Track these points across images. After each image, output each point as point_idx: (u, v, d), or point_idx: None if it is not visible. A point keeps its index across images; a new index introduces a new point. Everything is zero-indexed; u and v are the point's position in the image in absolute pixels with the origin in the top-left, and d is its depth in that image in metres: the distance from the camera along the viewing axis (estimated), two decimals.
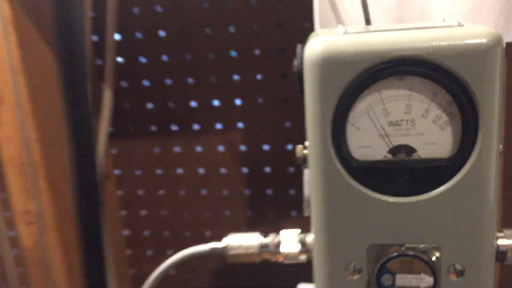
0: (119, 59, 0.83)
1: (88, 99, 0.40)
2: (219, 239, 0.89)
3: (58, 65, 0.35)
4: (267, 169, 0.83)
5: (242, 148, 0.83)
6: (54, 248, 0.70)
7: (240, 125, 0.82)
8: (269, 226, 0.86)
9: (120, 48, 0.81)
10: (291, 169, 0.82)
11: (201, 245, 0.47)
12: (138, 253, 0.93)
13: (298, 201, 0.82)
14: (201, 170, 0.86)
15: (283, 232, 0.45)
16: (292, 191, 0.83)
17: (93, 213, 0.45)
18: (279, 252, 0.44)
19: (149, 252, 0.92)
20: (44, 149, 0.67)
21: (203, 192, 0.87)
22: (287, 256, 0.44)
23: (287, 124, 0.80)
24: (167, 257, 0.47)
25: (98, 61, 0.82)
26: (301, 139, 0.43)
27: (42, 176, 0.68)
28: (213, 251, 0.46)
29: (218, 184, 0.86)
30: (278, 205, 0.84)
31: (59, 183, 0.70)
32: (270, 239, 0.45)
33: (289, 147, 0.81)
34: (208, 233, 0.89)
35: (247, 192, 0.85)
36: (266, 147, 0.82)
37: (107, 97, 0.78)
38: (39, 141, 0.66)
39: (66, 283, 0.71)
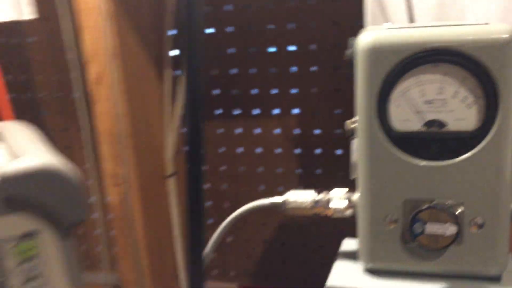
0: None
1: (201, 82, 0.47)
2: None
3: (184, 51, 0.42)
4: (318, 151, 0.91)
5: (296, 131, 0.91)
6: (136, 205, 0.80)
7: (295, 111, 0.90)
8: None
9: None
10: (339, 152, 0.90)
11: (263, 199, 0.55)
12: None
13: (344, 180, 0.89)
14: (258, 150, 0.95)
15: (333, 191, 0.53)
16: (339, 171, 0.91)
17: (198, 182, 0.53)
18: (329, 207, 0.52)
19: (210, 221, 1.02)
20: (132, 123, 0.78)
21: (260, 169, 0.96)
22: (335, 210, 0.52)
23: (337, 111, 0.88)
24: None
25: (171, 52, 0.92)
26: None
27: (129, 145, 0.78)
28: (273, 205, 0.55)
29: (273, 163, 0.94)
30: (326, 183, 0.92)
31: (143, 151, 0.81)
32: (322, 195, 0.53)
33: (338, 131, 0.89)
34: None
35: (298, 171, 0.93)
36: (317, 131, 0.90)
37: (183, 82, 0.88)
38: (128, 115, 0.77)
39: (144, 234, 0.82)
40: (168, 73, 0.87)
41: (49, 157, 0.44)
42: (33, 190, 0.44)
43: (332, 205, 0.52)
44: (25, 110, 1.01)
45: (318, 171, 0.92)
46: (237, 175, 0.97)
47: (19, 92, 1.02)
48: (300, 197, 0.53)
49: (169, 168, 0.90)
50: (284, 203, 0.54)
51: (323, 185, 0.93)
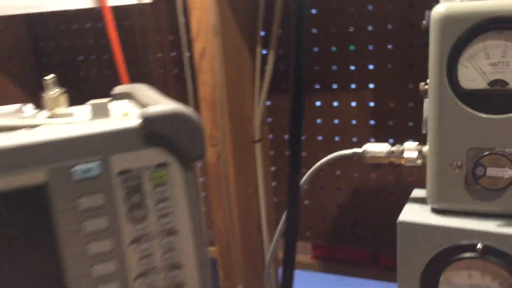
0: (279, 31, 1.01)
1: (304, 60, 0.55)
2: (347, 177, 1.05)
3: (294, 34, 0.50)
4: (391, 123, 0.98)
5: (371, 104, 0.98)
6: (230, 163, 0.91)
7: (371, 85, 0.97)
8: None
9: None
10: (411, 124, 0.96)
11: (346, 150, 0.64)
12: (281, 185, 1.12)
13: None
14: (336, 121, 1.03)
15: (406, 143, 0.60)
16: (410, 141, 0.96)
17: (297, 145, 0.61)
18: (402, 157, 0.60)
19: None
20: (228, 92, 0.88)
21: (336, 139, 1.04)
22: (407, 159, 0.59)
23: (410, 86, 0.94)
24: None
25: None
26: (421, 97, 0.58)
27: (225, 111, 0.88)
28: (354, 154, 0.63)
29: (349, 133, 1.02)
30: None
31: (235, 118, 0.91)
32: (397, 147, 0.61)
33: (410, 104, 0.95)
34: (338, 172, 1.06)
35: (372, 140, 1.00)
36: (391, 104, 0.97)
37: (270, 60, 0.97)
38: (225, 86, 0.87)
39: (235, 189, 0.93)
40: (259, 51, 0.97)
41: (177, 105, 0.55)
42: (167, 129, 0.54)
43: (405, 155, 0.59)
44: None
45: (391, 140, 0.98)
46: (315, 143, 1.05)
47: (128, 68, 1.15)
48: (378, 147, 0.61)
49: (256, 134, 1.00)
50: (363, 152, 0.62)
51: None
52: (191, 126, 0.55)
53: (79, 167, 0.52)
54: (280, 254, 0.99)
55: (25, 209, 0.51)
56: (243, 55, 0.94)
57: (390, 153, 0.60)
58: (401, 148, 0.60)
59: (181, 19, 0.88)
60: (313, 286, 1.14)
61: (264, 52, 1.00)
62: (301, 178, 0.69)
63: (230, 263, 0.96)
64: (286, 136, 1.09)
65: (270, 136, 1.09)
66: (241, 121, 0.95)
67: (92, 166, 0.53)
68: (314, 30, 0.98)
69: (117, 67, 0.91)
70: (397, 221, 0.57)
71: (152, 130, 0.53)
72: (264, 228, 1.06)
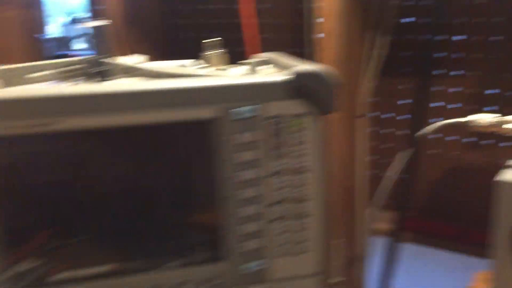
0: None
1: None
2: (441, 157, 1.12)
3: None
4: (487, 108, 1.04)
5: (473, 90, 1.05)
6: (337, 131, 1.03)
7: (472, 73, 1.04)
8: None
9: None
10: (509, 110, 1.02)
11: (451, 119, 0.72)
12: (376, 159, 1.21)
13: None
14: (437, 104, 1.11)
15: (508, 116, 0.68)
16: None
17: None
18: (502, 127, 0.68)
19: (384, 160, 1.20)
20: (343, 68, 1.00)
21: (433, 120, 1.11)
22: (507, 130, 0.67)
23: (509, 75, 1.00)
24: None
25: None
26: None
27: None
28: (458, 123, 0.71)
29: (448, 115, 1.08)
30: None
31: (344, 92, 1.02)
32: (498, 119, 0.69)
33: (509, 93, 1.01)
34: (432, 151, 1.13)
35: None
36: (488, 92, 1.03)
37: (380, 45, 1.07)
38: (342, 62, 0.99)
39: (337, 153, 1.04)
40: (370, 37, 1.07)
41: (321, 66, 0.66)
42: (311, 85, 0.65)
43: (507, 125, 0.67)
44: None
45: None
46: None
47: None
48: (481, 117, 0.69)
49: (360, 110, 1.11)
50: (467, 122, 0.71)
51: None
52: (330, 85, 0.66)
53: (238, 109, 0.65)
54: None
55: (196, 137, 0.64)
56: (357, 38, 1.04)
57: (493, 123, 0.68)
58: (503, 120, 0.68)
59: (308, 4, 1.00)
60: (402, 255, 1.21)
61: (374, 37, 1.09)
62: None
63: (330, 220, 1.07)
64: (385, 115, 1.18)
65: (372, 114, 1.18)
66: (348, 97, 1.06)
67: (248, 109, 0.65)
68: (427, 19, 1.06)
69: (249, 43, 1.05)
70: (494, 180, 0.65)
71: (300, 84, 0.64)
72: (358, 196, 1.16)
